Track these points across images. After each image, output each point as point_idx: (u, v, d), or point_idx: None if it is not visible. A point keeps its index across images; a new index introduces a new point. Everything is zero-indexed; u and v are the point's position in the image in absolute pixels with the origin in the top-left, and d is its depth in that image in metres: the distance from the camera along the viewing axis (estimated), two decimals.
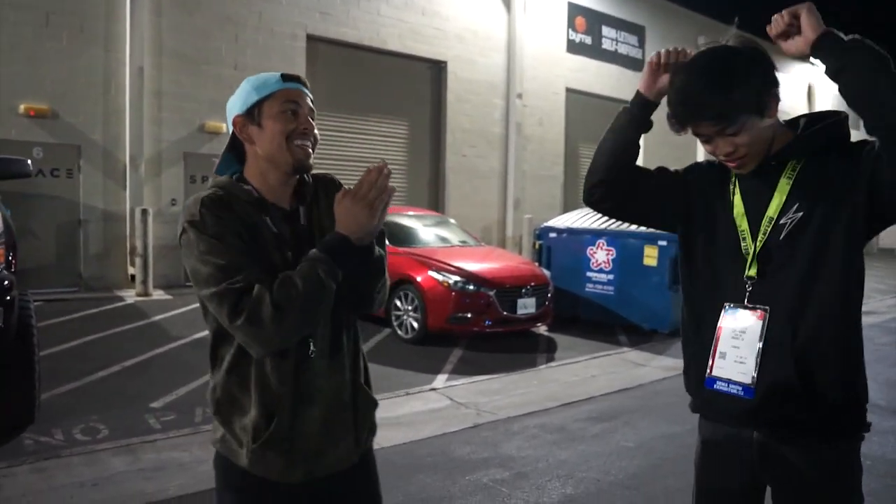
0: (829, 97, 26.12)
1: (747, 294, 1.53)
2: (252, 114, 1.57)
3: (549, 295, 7.92)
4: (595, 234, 8.80)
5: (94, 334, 7.18)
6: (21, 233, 9.47)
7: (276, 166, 1.57)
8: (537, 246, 9.59)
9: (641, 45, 18.49)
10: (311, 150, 1.59)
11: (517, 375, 6.25)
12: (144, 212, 9.85)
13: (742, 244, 1.55)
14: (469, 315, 7.22)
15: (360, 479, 1.70)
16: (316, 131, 1.62)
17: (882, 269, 18.18)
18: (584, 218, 9.41)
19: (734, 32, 1.53)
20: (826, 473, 1.50)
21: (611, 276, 8.63)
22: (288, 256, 1.54)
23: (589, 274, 8.81)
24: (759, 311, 1.51)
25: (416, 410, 5.09)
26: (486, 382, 5.96)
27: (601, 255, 8.70)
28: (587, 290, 8.82)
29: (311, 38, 12.14)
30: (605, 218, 9.15)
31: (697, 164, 1.78)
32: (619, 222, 8.89)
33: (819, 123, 1.54)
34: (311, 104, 1.61)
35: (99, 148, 10.14)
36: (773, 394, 1.47)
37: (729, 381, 1.53)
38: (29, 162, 4.93)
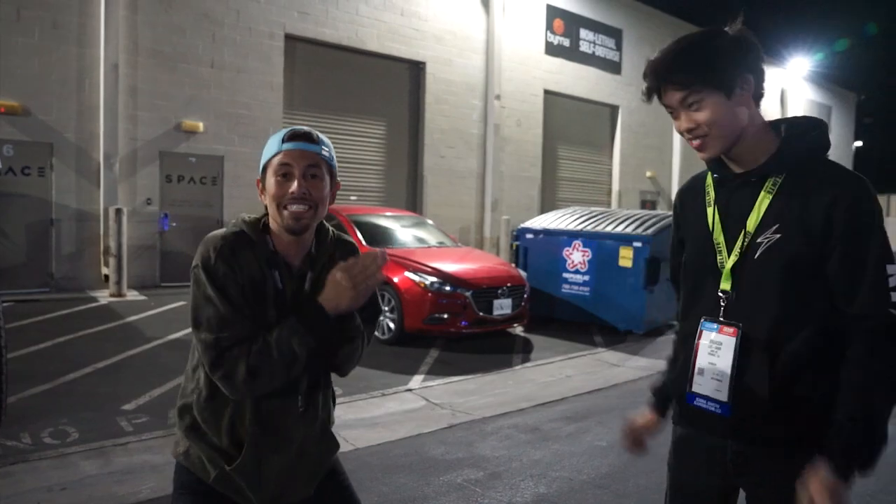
0: (801, 102, 26.58)
1: (722, 309, 1.53)
2: (263, 175, 1.65)
3: (526, 296, 7.97)
4: (571, 236, 8.87)
5: (66, 335, 7.07)
6: None
7: (278, 225, 1.63)
8: (514, 247, 9.64)
9: (619, 47, 18.68)
10: (304, 214, 1.58)
11: (493, 376, 6.29)
12: (119, 211, 9.72)
13: (718, 257, 1.54)
14: (445, 316, 7.24)
15: (327, 492, 1.76)
16: (327, 182, 1.63)
17: None
18: (561, 219, 9.48)
19: (738, 26, 1.50)
20: (797, 476, 1.46)
21: (586, 277, 8.70)
22: (282, 314, 1.59)
23: (565, 275, 8.88)
24: (732, 327, 1.50)
25: (392, 411, 5.10)
26: (462, 383, 5.99)
27: (577, 256, 8.77)
28: (563, 290, 8.89)
29: (289, 38, 12.08)
30: (582, 219, 9.23)
31: (680, 190, 1.76)
32: (595, 223, 8.98)
33: (799, 135, 1.51)
34: (315, 159, 1.60)
35: (72, 146, 10.00)
36: (749, 412, 1.47)
37: (707, 398, 1.53)
38: None
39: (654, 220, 8.73)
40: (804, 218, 1.44)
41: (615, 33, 18.52)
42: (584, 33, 17.59)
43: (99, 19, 9.99)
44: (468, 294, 7.32)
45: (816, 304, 1.45)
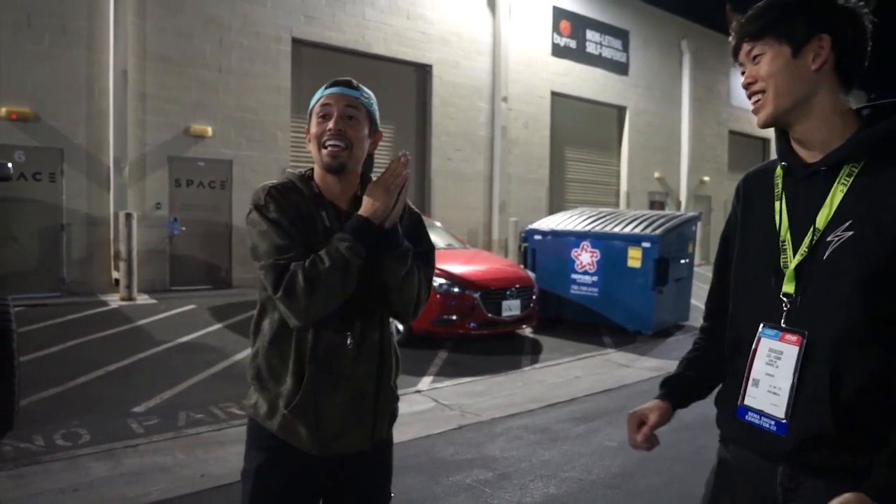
0: None
1: (784, 314, 1.35)
2: (309, 125, 1.76)
3: (534, 297, 7.96)
4: (579, 236, 8.85)
5: (77, 339, 7.12)
6: (2, 237, 9.40)
7: (321, 169, 1.73)
8: (522, 248, 9.63)
9: (625, 49, 18.63)
10: (341, 151, 1.68)
11: (502, 377, 6.28)
12: (129, 216, 9.78)
13: (782, 257, 1.38)
14: (454, 317, 7.24)
15: (373, 465, 1.83)
16: (365, 126, 1.73)
17: None
18: (569, 220, 9.47)
19: None
20: None
21: (595, 278, 8.68)
22: None
23: (574, 276, 8.86)
24: (796, 335, 1.32)
25: (401, 412, 5.02)
26: (471, 384, 5.98)
27: (585, 256, 8.75)
28: (572, 291, 8.87)
29: (296, 42, 12.12)
30: (590, 220, 9.21)
31: (747, 175, 1.59)
32: (603, 224, 8.95)
33: (881, 117, 1.34)
34: (353, 101, 1.72)
35: (82, 151, 10.07)
36: (807, 435, 1.29)
37: (761, 413, 1.36)
38: (9, 165, 4.88)
39: (662, 220, 8.70)
40: (881, 214, 1.25)
41: (622, 34, 18.48)
42: (590, 34, 17.56)
43: (108, 25, 10.06)
44: (477, 295, 7.31)
45: (892, 317, 1.25)
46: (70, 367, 5.97)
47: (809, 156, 1.39)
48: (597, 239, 8.68)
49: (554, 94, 16.71)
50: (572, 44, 17.05)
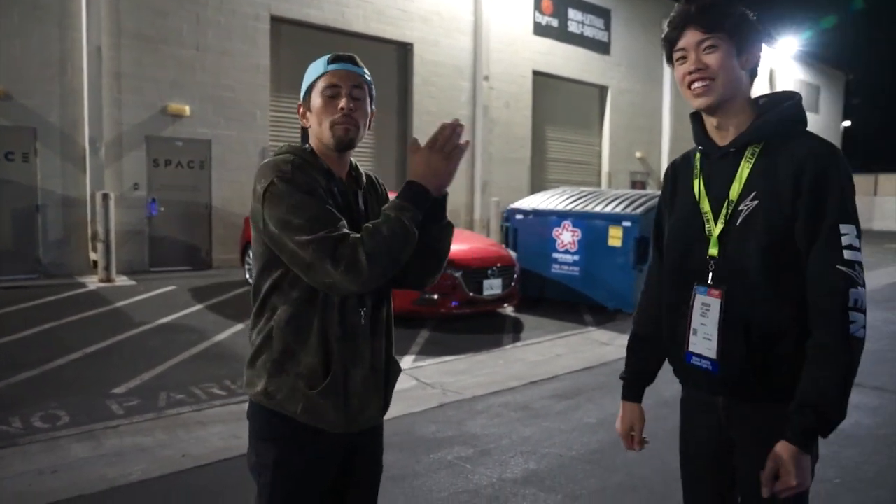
0: (790, 82, 26.62)
1: (710, 273, 1.63)
2: (306, 100, 1.72)
3: (516, 276, 7.99)
4: (560, 216, 8.88)
5: (55, 321, 7.04)
6: None
7: (325, 145, 1.70)
8: (504, 228, 9.65)
9: (607, 28, 18.59)
10: (352, 128, 1.67)
11: (483, 355, 6.32)
12: (106, 196, 9.63)
13: (706, 225, 1.64)
14: (435, 296, 7.26)
15: (379, 437, 1.87)
16: (369, 104, 1.73)
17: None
18: (550, 199, 9.49)
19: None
20: (780, 427, 1.54)
21: (576, 257, 8.73)
22: (355, 224, 1.65)
23: (555, 255, 8.90)
24: (717, 290, 1.60)
25: None
26: (453, 363, 6.01)
27: (567, 236, 8.78)
28: (553, 270, 8.91)
29: (274, 19, 11.94)
30: (571, 199, 9.24)
31: (673, 162, 1.86)
32: (584, 203, 8.99)
33: (773, 105, 1.62)
34: (359, 80, 1.70)
35: (56, 131, 9.88)
36: (733, 368, 1.59)
37: (701, 357, 1.64)
38: None
39: (643, 199, 8.75)
40: (776, 185, 1.54)
41: (604, 13, 18.42)
42: (572, 13, 17.49)
43: (80, 1, 9.83)
44: (458, 274, 7.33)
45: (790, 272, 1.54)
46: (48, 349, 5.90)
47: (722, 139, 1.66)
48: (578, 218, 8.72)
49: (536, 74, 16.65)
50: (554, 22, 16.97)
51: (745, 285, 1.57)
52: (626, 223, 8.28)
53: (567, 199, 9.32)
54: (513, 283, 7.92)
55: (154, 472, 3.56)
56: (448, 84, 14.77)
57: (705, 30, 1.56)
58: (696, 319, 1.65)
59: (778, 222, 1.53)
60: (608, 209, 8.61)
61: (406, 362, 5.96)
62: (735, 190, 1.60)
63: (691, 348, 1.67)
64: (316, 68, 1.70)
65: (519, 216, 9.36)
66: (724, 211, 1.61)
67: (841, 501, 3.41)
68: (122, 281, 9.73)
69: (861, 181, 27.38)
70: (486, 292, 7.55)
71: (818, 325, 1.50)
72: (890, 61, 40.90)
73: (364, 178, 1.82)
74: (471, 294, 7.41)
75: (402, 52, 14.13)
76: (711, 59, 1.57)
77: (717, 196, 1.64)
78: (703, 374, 1.65)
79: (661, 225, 1.86)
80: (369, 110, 1.73)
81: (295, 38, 12.35)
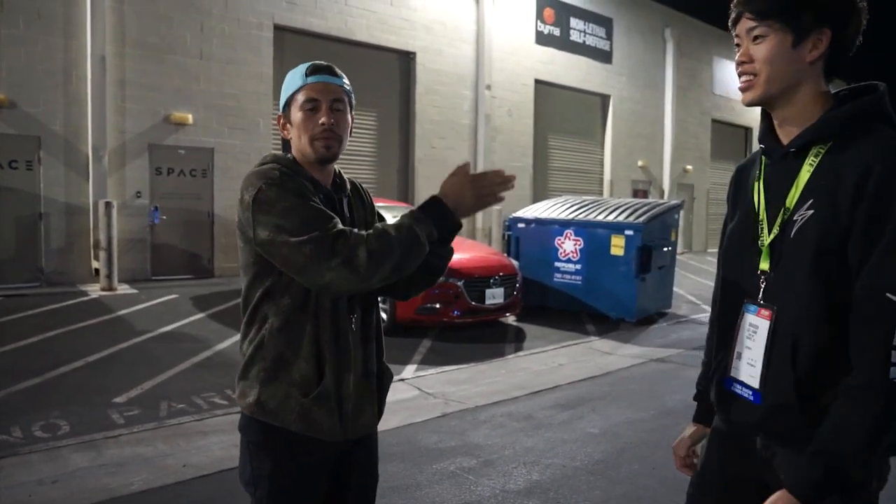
0: None
1: (761, 290, 1.43)
2: (286, 111, 1.70)
3: (518, 285, 7.98)
4: (563, 225, 8.87)
5: (56, 330, 7.03)
6: None
7: (306, 158, 1.68)
8: (506, 237, 9.64)
9: (609, 36, 18.64)
10: (334, 143, 1.66)
11: (485, 365, 6.30)
12: (108, 204, 9.65)
13: (759, 236, 1.45)
14: (438, 305, 7.24)
15: (374, 445, 1.86)
16: (349, 114, 1.71)
17: None
18: (553, 208, 9.49)
19: None
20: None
21: (578, 266, 8.71)
22: None
23: (557, 264, 8.88)
24: (768, 310, 1.41)
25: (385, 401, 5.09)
26: (455, 372, 5.99)
27: (569, 245, 8.77)
28: (555, 279, 8.90)
29: (278, 28, 11.98)
30: (573, 208, 9.24)
31: (739, 166, 1.66)
32: (587, 212, 8.98)
33: (848, 99, 1.39)
34: (339, 92, 1.67)
35: (60, 139, 9.90)
36: (775, 404, 1.38)
37: (742, 384, 1.46)
38: None
39: (645, 208, 8.74)
40: (837, 193, 1.30)
41: (605, 22, 18.47)
42: (574, 22, 17.54)
43: (85, 10, 9.87)
44: (460, 283, 7.31)
45: (844, 297, 1.30)
46: (50, 357, 5.89)
47: (787, 137, 1.43)
48: (580, 227, 8.71)
49: (538, 82, 16.69)
50: (556, 31, 17.02)
51: (795, 307, 1.35)
52: (629, 232, 8.27)
53: (569, 207, 9.32)
54: (515, 293, 7.90)
55: (155, 482, 3.54)
56: (451, 92, 14.81)
57: (754, 16, 1.36)
58: (741, 342, 1.47)
59: (833, 236, 1.29)
60: (610, 218, 8.60)
61: (408, 371, 5.94)
62: (792, 197, 1.39)
63: (733, 373, 1.49)
64: (294, 80, 1.66)
65: (521, 225, 9.35)
66: (778, 220, 1.40)
67: None
68: (123, 289, 9.72)
69: None
70: (489, 301, 7.53)
71: (855, 361, 1.27)
72: (888, 70, 40.94)
73: (348, 185, 1.80)
74: (473, 303, 7.39)
75: (405, 60, 14.17)
76: (757, 52, 1.37)
77: (775, 203, 1.43)
78: (742, 404, 1.46)
79: (725, 233, 1.65)
80: (350, 121, 1.71)
81: (298, 47, 12.39)
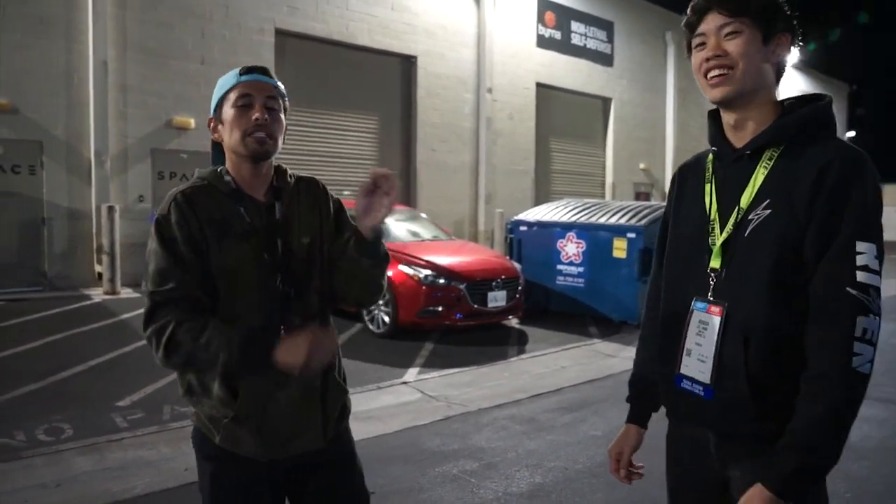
0: (792, 93, 26.62)
1: (711, 287, 1.46)
2: (217, 112, 1.67)
3: (520, 288, 7.97)
4: (565, 227, 8.87)
5: (59, 334, 7.04)
6: None
7: (238, 158, 1.65)
8: (508, 240, 9.64)
9: (610, 40, 18.66)
10: (267, 139, 1.62)
11: (488, 368, 6.29)
12: (111, 209, 9.68)
13: (710, 235, 1.48)
14: (440, 309, 7.24)
15: (335, 463, 1.75)
16: (283, 116, 1.67)
17: None
18: (555, 211, 9.49)
19: None
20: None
21: (581, 269, 8.71)
22: (259, 247, 1.63)
23: (559, 266, 8.88)
24: (718, 306, 1.43)
25: (388, 404, 5.10)
26: (457, 375, 5.99)
27: (571, 247, 8.77)
28: (558, 282, 8.89)
29: (279, 33, 12.02)
30: (575, 211, 9.24)
31: (682, 165, 1.70)
32: (589, 215, 8.98)
33: (797, 107, 1.46)
34: (273, 91, 1.65)
35: (62, 144, 9.93)
36: (727, 401, 1.41)
37: (693, 380, 1.47)
38: None
39: (647, 210, 8.74)
40: (793, 194, 1.36)
41: (606, 25, 18.50)
42: (575, 26, 17.56)
43: (87, 15, 9.91)
44: (462, 287, 7.31)
45: (802, 294, 1.35)
46: (52, 361, 5.90)
47: (739, 140, 1.48)
48: (582, 230, 8.71)
49: (539, 86, 16.71)
50: (557, 35, 17.05)
51: (749, 303, 1.38)
52: (631, 234, 8.27)
53: (571, 210, 9.32)
54: (517, 296, 7.90)
55: (158, 485, 3.54)
56: (452, 96, 14.83)
57: (729, 13, 1.40)
58: (691, 338, 1.48)
59: (792, 235, 1.34)
60: (612, 221, 8.60)
61: (410, 375, 5.94)
62: (746, 197, 1.43)
63: (683, 370, 1.49)
64: (227, 80, 1.65)
65: (523, 228, 9.36)
66: (731, 219, 1.44)
67: None
68: (126, 293, 9.74)
69: None
70: (491, 304, 7.53)
71: (816, 353, 1.30)
72: (895, 71, 40.91)
73: (291, 186, 1.73)
74: (475, 306, 7.39)
75: (407, 64, 14.20)
76: (732, 46, 1.40)
77: (728, 204, 1.47)
78: (693, 402, 1.48)
79: (665, 234, 1.68)
80: (283, 123, 1.67)
81: (299, 52, 12.43)
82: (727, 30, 1.41)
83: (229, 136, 1.63)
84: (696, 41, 1.47)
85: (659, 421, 1.71)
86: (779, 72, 1.47)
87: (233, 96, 1.62)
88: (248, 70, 1.64)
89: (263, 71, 1.66)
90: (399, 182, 14.54)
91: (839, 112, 32.35)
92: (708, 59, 1.43)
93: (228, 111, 1.63)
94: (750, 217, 1.41)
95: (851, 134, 34.59)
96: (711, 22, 1.43)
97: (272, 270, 1.63)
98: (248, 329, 1.53)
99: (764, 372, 1.37)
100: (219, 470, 1.65)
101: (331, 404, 1.71)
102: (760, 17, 1.40)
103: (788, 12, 1.44)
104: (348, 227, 1.76)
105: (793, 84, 26.92)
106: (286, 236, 1.66)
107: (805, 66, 27.88)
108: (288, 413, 1.63)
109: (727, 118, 1.50)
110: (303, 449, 1.67)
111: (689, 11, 1.48)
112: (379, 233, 1.66)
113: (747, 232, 1.41)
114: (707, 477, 1.53)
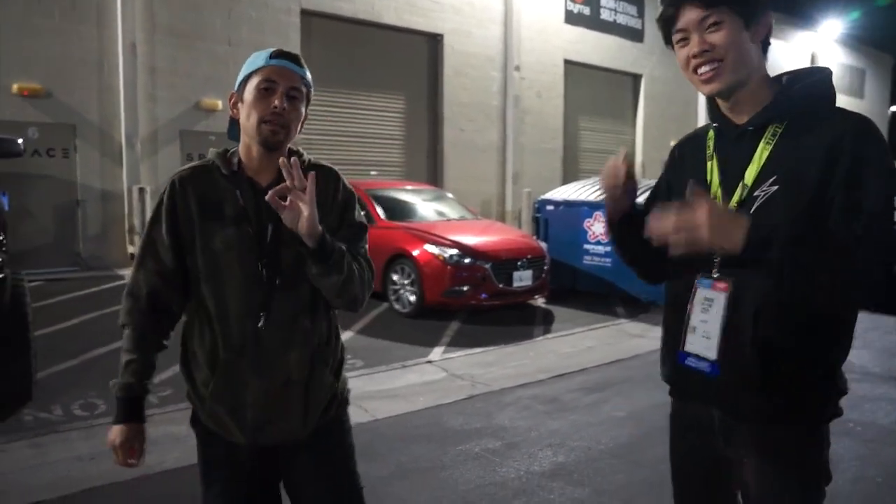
0: (833, 66, 25.81)
1: (716, 264, 1.45)
2: (240, 89, 1.65)
3: (546, 267, 7.93)
4: (592, 207, 8.77)
5: (93, 312, 7.23)
6: (19, 213, 9.50)
7: (251, 141, 1.65)
8: (535, 219, 9.58)
9: (641, 14, 18.25)
10: (280, 130, 1.60)
11: (513, 347, 6.30)
12: (142, 190, 9.86)
13: None
14: (465, 288, 7.25)
15: (321, 452, 1.73)
16: (303, 107, 1.65)
17: None
18: (582, 190, 9.39)
19: None
20: (784, 456, 1.44)
21: (608, 248, 8.60)
22: (247, 231, 1.61)
23: (586, 246, 8.80)
24: (724, 282, 1.43)
25: (412, 383, 5.14)
26: (482, 355, 6.01)
27: (598, 227, 8.67)
28: (585, 262, 8.82)
29: (305, 13, 12.01)
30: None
31: (680, 141, 1.69)
32: None
33: (798, 81, 1.45)
34: (298, 81, 1.63)
35: (94, 127, 10.12)
36: (734, 375, 1.41)
37: (698, 357, 1.47)
38: (20, 141, 4.91)
39: None
40: (803, 167, 1.35)
41: (637, 0, 18.09)
42: (604, 1, 17.21)
43: None
44: (487, 266, 7.30)
45: (810, 270, 1.33)
46: (87, 339, 6.06)
47: (738, 118, 1.48)
48: None
49: (567, 63, 16.46)
50: (586, 10, 16.73)
51: (756, 279, 1.36)
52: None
53: (599, 189, 9.18)
54: (543, 275, 7.87)
55: (187, 460, 3.61)
56: (479, 74, 14.69)
57: (704, 5, 1.37)
58: (695, 316, 1.48)
59: (801, 211, 1.34)
60: (641, 199, 8.40)
61: (435, 354, 5.97)
62: (751, 173, 1.42)
63: (687, 347, 1.49)
64: (256, 60, 1.63)
65: (550, 207, 9.28)
66: (736, 196, 1.43)
67: (885, 501, 3.31)
68: None
69: None
70: (516, 284, 7.51)
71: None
72: None
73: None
74: (501, 286, 7.38)
75: (433, 43, 14.09)
76: (717, 38, 1.38)
77: (731, 180, 1.46)
78: (697, 379, 1.47)
79: (658, 199, 1.66)
80: (303, 113, 1.65)
81: (326, 32, 12.42)
82: (708, 21, 1.38)
83: (246, 118, 1.62)
84: (676, 37, 1.45)
85: (666, 404, 1.70)
86: (764, 48, 1.46)
87: (257, 78, 1.60)
88: (279, 54, 1.62)
89: (294, 59, 1.64)
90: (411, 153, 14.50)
91: (883, 84, 31.30)
92: (695, 56, 1.41)
93: (250, 93, 1.61)
94: (756, 193, 1.41)
95: (895, 108, 33.44)
96: (689, 15, 1.40)
97: (258, 256, 1.61)
98: (140, 368, 1.67)
99: (773, 345, 1.38)
100: (207, 448, 1.74)
101: (314, 396, 1.68)
102: (738, 3, 1.38)
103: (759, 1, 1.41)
104: (347, 223, 1.71)
105: (833, 57, 26.11)
106: (277, 222, 1.57)
107: (846, 39, 26.97)
108: (262, 401, 1.64)
109: (723, 103, 1.50)
110: (280, 437, 1.68)
111: (661, 4, 1.45)
112: (319, 239, 1.53)
113: (754, 208, 1.40)
114: (711, 455, 1.54)
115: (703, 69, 1.41)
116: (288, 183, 1.50)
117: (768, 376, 1.39)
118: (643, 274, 1.74)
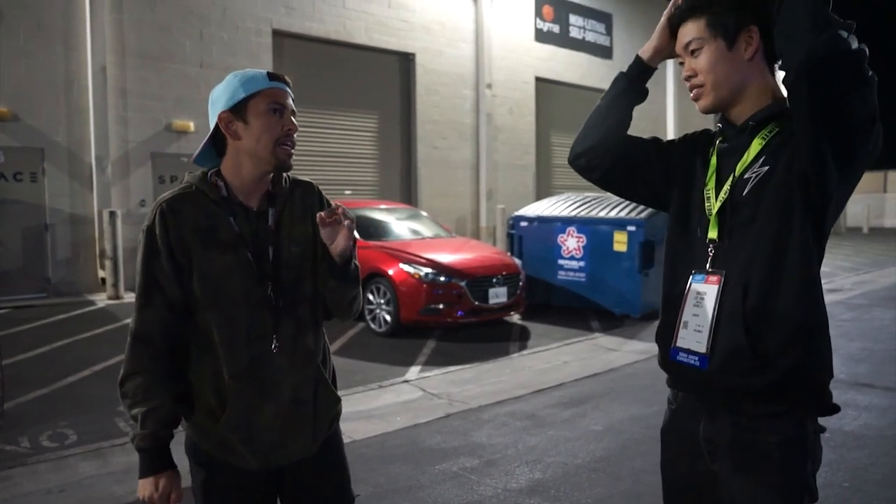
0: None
1: (709, 258, 1.48)
2: (239, 110, 1.60)
3: (521, 283, 7.99)
4: (565, 222, 8.87)
5: (64, 340, 7.09)
6: None
7: (256, 163, 1.63)
8: (510, 236, 9.65)
9: (609, 32, 18.60)
10: (292, 152, 1.66)
11: (490, 364, 6.31)
12: (113, 214, 9.72)
13: (706, 205, 1.51)
14: (441, 306, 7.26)
15: (322, 467, 1.77)
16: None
17: (848, 248, 18.55)
18: (555, 206, 9.49)
19: None
20: (766, 469, 1.42)
21: (582, 263, 8.71)
22: (246, 256, 1.61)
23: (561, 261, 8.89)
24: (716, 275, 1.45)
25: (389, 403, 5.12)
26: (459, 372, 6.01)
27: (572, 242, 8.78)
28: (559, 277, 8.90)
29: (276, 33, 12.03)
30: (576, 205, 9.24)
31: (692, 133, 1.72)
32: (589, 209, 8.99)
33: None
34: (292, 104, 1.67)
35: (63, 150, 9.97)
36: (724, 358, 1.42)
37: (688, 352, 1.48)
38: None
39: None
40: (790, 149, 1.39)
41: (605, 18, 18.44)
42: (573, 19, 17.51)
43: (84, 20, 9.94)
44: (463, 284, 7.33)
45: (801, 259, 1.38)
46: (58, 367, 5.95)
47: (738, 123, 1.52)
48: (583, 224, 8.71)
49: (538, 80, 16.67)
50: (555, 28, 17.00)
51: (746, 268, 1.41)
52: (631, 228, 8.27)
53: (571, 205, 9.32)
54: (518, 291, 7.91)
55: None
56: (451, 93, 14.82)
57: (687, 31, 1.49)
58: (688, 311, 1.49)
59: (792, 194, 1.37)
60: (613, 214, 8.60)
61: (412, 373, 5.96)
62: (741, 165, 1.46)
63: (679, 343, 1.51)
64: (255, 81, 1.61)
65: (524, 223, 9.36)
66: (725, 186, 1.47)
67: None
68: (130, 298, 9.76)
69: (870, 178, 27.18)
70: (492, 301, 7.55)
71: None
72: None
73: (286, 191, 1.71)
74: (476, 303, 7.41)
75: (405, 62, 14.19)
76: (697, 63, 1.47)
77: (724, 174, 1.50)
78: (688, 374, 1.49)
79: (656, 142, 1.71)
80: None
81: (297, 52, 12.44)
82: (690, 48, 1.49)
83: (256, 141, 1.59)
84: (678, 61, 1.56)
85: (664, 412, 1.72)
86: (769, 60, 1.47)
87: (264, 101, 1.60)
88: (275, 77, 1.64)
89: (287, 81, 1.67)
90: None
91: None
92: (685, 79, 1.53)
93: (258, 115, 1.59)
94: (746, 176, 1.45)
95: None
96: (680, 40, 1.52)
97: (260, 280, 1.62)
98: (165, 414, 1.59)
99: (762, 317, 1.39)
100: (210, 476, 1.68)
101: (322, 413, 1.72)
102: (715, 26, 1.44)
103: (741, 5, 1.43)
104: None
105: None
106: (277, 245, 1.64)
107: None
108: (276, 424, 1.64)
109: (727, 113, 1.54)
110: (292, 457, 1.69)
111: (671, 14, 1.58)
112: (346, 258, 1.64)
113: (745, 191, 1.44)
114: (701, 470, 1.54)
115: (692, 91, 1.52)
116: (334, 216, 1.58)
117: (757, 347, 1.38)
118: (589, 143, 1.74)
